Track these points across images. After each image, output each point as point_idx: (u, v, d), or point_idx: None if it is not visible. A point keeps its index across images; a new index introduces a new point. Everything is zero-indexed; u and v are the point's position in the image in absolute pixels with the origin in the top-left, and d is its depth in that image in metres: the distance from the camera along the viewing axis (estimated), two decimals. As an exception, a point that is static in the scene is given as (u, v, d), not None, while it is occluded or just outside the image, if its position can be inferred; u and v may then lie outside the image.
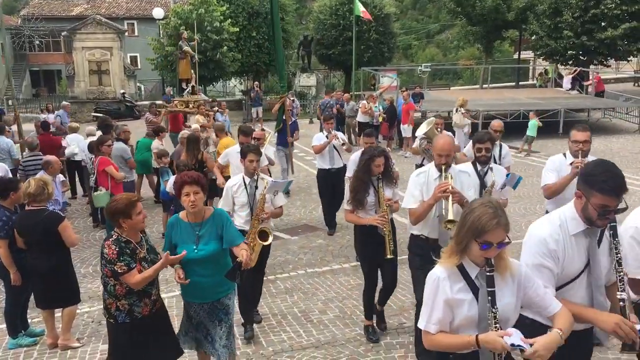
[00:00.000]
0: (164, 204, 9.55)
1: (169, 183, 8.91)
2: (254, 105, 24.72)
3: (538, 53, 30.25)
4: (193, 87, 20.80)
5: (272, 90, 36.94)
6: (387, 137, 18.43)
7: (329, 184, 9.25)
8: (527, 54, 38.08)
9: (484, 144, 5.52)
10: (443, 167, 4.60)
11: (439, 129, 8.28)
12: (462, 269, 2.77)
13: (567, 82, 25.57)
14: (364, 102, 18.29)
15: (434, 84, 37.59)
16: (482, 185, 5.46)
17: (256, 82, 28.29)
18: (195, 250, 4.24)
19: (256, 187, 5.74)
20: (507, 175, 5.72)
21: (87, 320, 6.45)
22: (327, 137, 9.09)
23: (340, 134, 9.50)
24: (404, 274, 7.05)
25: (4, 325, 6.10)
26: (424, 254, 4.66)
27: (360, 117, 18.09)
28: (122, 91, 29.73)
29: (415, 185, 4.76)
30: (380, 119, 17.73)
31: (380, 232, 5.33)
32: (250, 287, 5.80)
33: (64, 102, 21.13)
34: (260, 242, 5.61)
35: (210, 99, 23.80)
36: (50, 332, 5.85)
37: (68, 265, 5.74)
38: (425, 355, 3.78)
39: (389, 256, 5.34)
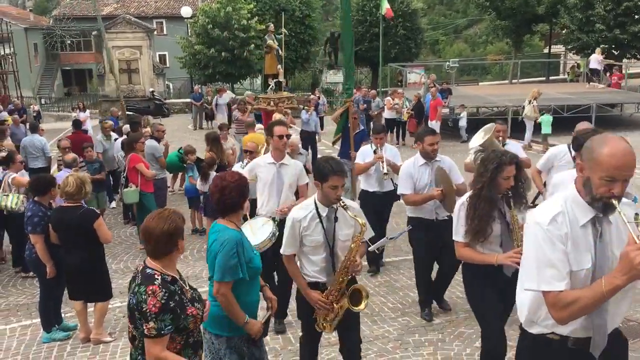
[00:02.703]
0: (190, 200, 9.65)
1: (198, 180, 9.02)
2: (280, 103, 24.80)
3: (569, 47, 29.68)
4: (279, 82, 19.90)
5: (299, 87, 36.99)
6: (414, 134, 18.38)
7: (374, 210, 6.93)
8: (557, 48, 37.39)
9: None
10: (615, 202, 2.43)
11: (500, 138, 6.61)
12: None
13: (594, 61, 24.58)
14: (389, 98, 18.27)
15: (462, 80, 37.18)
16: None
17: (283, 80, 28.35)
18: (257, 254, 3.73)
19: (336, 220, 4.04)
20: (635, 198, 4.34)
21: (119, 315, 6.55)
22: (375, 152, 7.18)
23: (390, 150, 7.29)
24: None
25: (38, 320, 6.23)
26: None
27: (386, 114, 18.06)
28: (151, 89, 30.08)
29: (552, 244, 2.51)
30: (406, 116, 17.68)
31: (506, 272, 4.01)
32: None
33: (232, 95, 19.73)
34: (352, 307, 4.00)
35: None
36: (82, 327, 5.96)
37: (101, 262, 5.85)
38: None
39: None
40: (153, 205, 8.69)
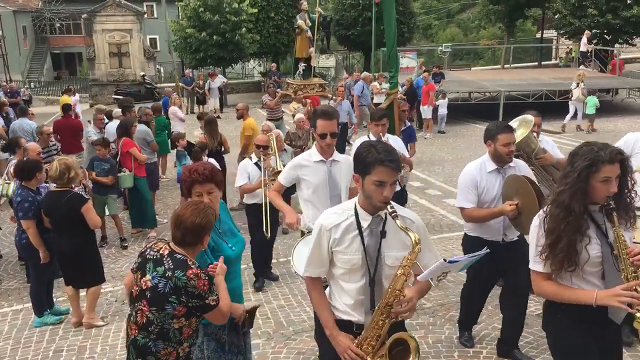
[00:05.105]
0: (181, 188, 9.61)
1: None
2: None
3: (561, 32, 29.65)
4: (309, 66, 17.08)
5: (291, 72, 36.79)
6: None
7: None
8: (550, 33, 37.37)
9: None
10: None
11: (534, 133, 5.31)
12: None
13: (583, 45, 24.83)
14: (375, 83, 18.25)
15: (455, 65, 37.11)
16: None
17: (274, 64, 28.14)
18: (232, 249, 3.45)
19: (383, 235, 2.87)
20: None
21: (111, 300, 6.55)
22: None
23: (394, 141, 5.88)
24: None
25: (30, 304, 6.23)
26: None
27: (376, 98, 18.07)
28: (142, 73, 29.85)
29: None
30: (399, 97, 17.59)
31: (613, 318, 2.86)
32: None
33: (365, 73, 17.88)
34: None
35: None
36: (75, 311, 5.97)
37: (92, 246, 5.85)
38: None
39: None
40: (146, 189, 8.72)
